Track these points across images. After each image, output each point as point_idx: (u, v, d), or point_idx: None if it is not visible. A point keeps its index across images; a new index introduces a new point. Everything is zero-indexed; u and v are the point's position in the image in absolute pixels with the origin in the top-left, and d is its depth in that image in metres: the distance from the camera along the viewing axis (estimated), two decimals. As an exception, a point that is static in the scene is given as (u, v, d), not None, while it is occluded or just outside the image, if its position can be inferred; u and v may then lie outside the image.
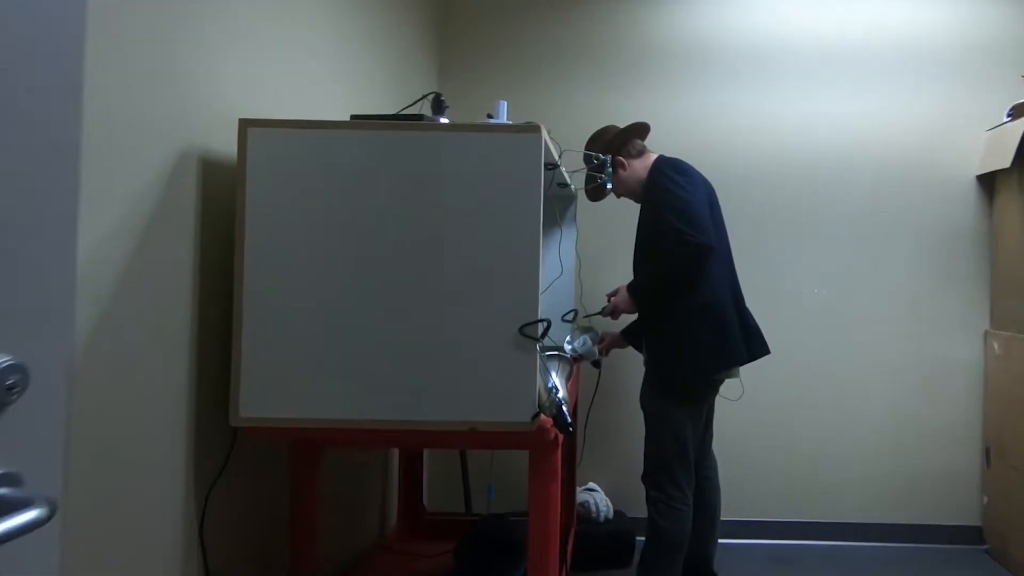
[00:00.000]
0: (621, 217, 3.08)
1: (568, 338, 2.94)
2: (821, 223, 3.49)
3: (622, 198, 2.84)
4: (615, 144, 2.72)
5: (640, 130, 2.79)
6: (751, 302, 2.75)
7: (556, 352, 2.77)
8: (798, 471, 3.46)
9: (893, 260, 3.47)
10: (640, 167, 2.72)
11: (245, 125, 1.66)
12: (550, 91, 3.61)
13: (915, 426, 3.43)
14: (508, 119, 2.11)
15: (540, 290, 1.65)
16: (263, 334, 1.64)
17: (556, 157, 2.06)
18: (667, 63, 3.56)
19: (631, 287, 2.66)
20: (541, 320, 1.65)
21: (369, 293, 1.64)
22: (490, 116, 2.01)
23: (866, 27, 3.48)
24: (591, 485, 3.46)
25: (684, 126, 3.52)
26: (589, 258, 3.32)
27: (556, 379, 1.74)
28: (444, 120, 2.12)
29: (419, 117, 1.73)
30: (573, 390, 2.76)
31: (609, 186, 2.64)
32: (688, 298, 2.56)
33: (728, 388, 2.75)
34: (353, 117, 1.80)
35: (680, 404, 2.58)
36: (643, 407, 2.67)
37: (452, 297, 1.64)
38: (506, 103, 1.92)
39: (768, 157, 3.51)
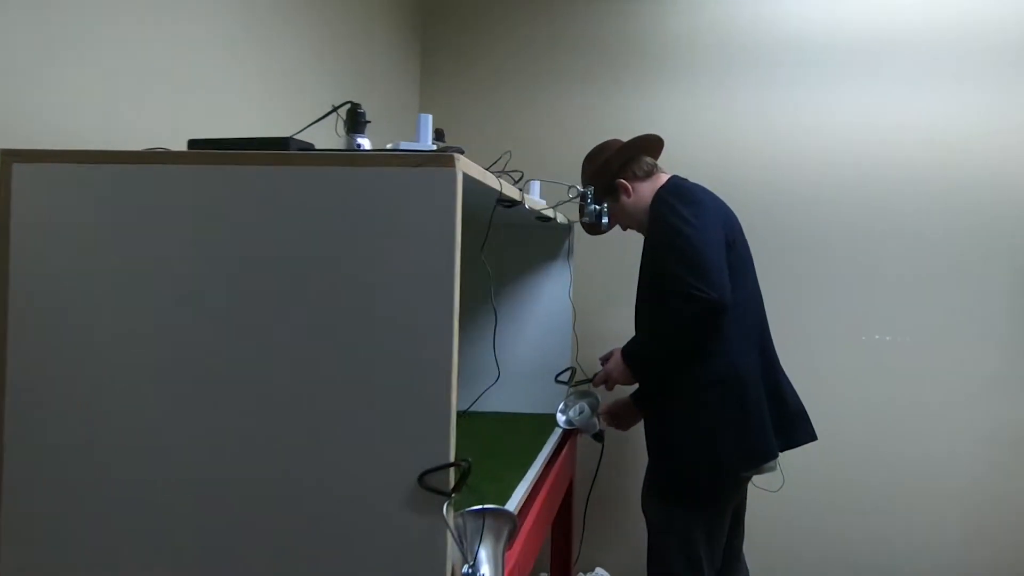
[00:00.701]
0: (632, 248, 2.45)
1: (561, 406, 2.33)
2: (885, 251, 2.82)
3: (629, 229, 2.25)
4: (615, 164, 2.12)
5: (649, 145, 2.17)
6: (788, 356, 2.12)
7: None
8: (854, 571, 2.80)
9: (984, 298, 2.77)
10: (648, 192, 2.12)
11: (9, 159, 1.09)
12: (551, 94, 3.00)
13: (1005, 510, 2.73)
14: (442, 140, 1.52)
15: (453, 412, 1.05)
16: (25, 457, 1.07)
17: (514, 189, 1.45)
18: (687, 58, 2.93)
19: (626, 352, 2.08)
20: (458, 463, 1.05)
21: (179, 405, 1.06)
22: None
23: (946, 6, 2.79)
24: (599, 572, 2.85)
25: (705, 135, 2.88)
26: (591, 300, 2.72)
27: (484, 558, 1.11)
28: (363, 142, 1.54)
29: (284, 143, 1.14)
30: (567, 469, 2.15)
31: (605, 220, 2.04)
32: (700, 368, 1.95)
33: (764, 477, 2.12)
34: (192, 144, 1.21)
35: (691, 510, 1.96)
36: (644, 511, 2.06)
37: (306, 419, 1.05)
38: (430, 116, 1.31)
39: (812, 169, 2.85)
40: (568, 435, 2.32)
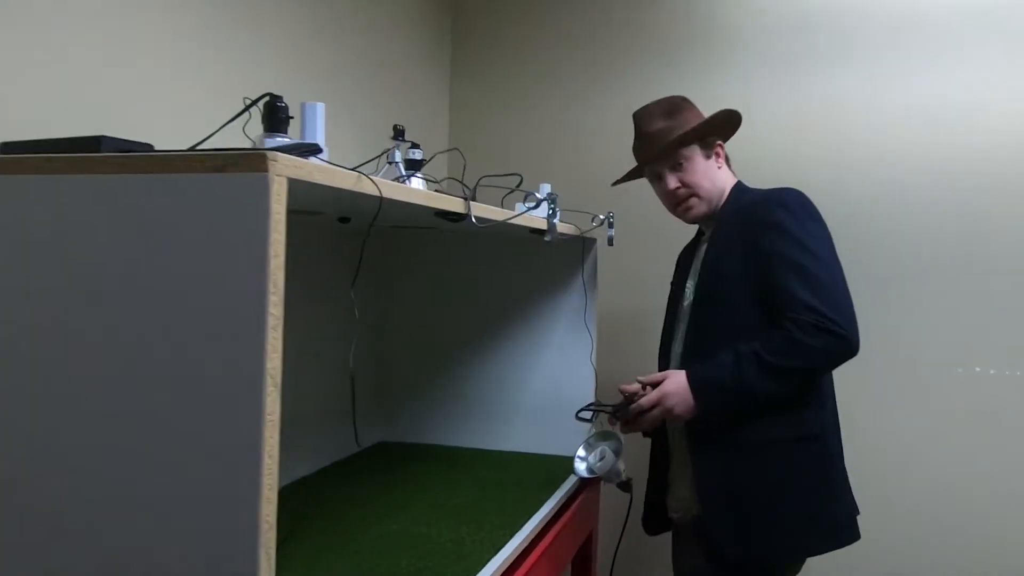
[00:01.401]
0: (660, 263, 2.08)
1: (580, 450, 2.00)
2: (984, 259, 2.32)
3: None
4: (718, 122, 1.74)
5: (728, 125, 1.80)
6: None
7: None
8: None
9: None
10: (727, 178, 1.78)
11: None
12: (589, 91, 2.68)
13: None
14: (402, 139, 1.25)
15: (266, 492, 0.75)
16: None
17: (465, 196, 1.15)
18: (752, 39, 2.52)
19: (698, 377, 1.61)
20: None
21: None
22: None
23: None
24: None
25: (765, 130, 2.47)
26: (615, 324, 2.36)
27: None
28: (282, 139, 1.28)
29: (95, 142, 0.88)
30: (581, 524, 1.81)
31: (673, 184, 1.72)
32: (788, 420, 1.60)
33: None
34: (4, 147, 0.98)
35: None
36: (679, 572, 1.71)
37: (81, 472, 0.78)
38: (321, 105, 1.03)
39: (891, 165, 2.38)
40: (589, 483, 1.98)
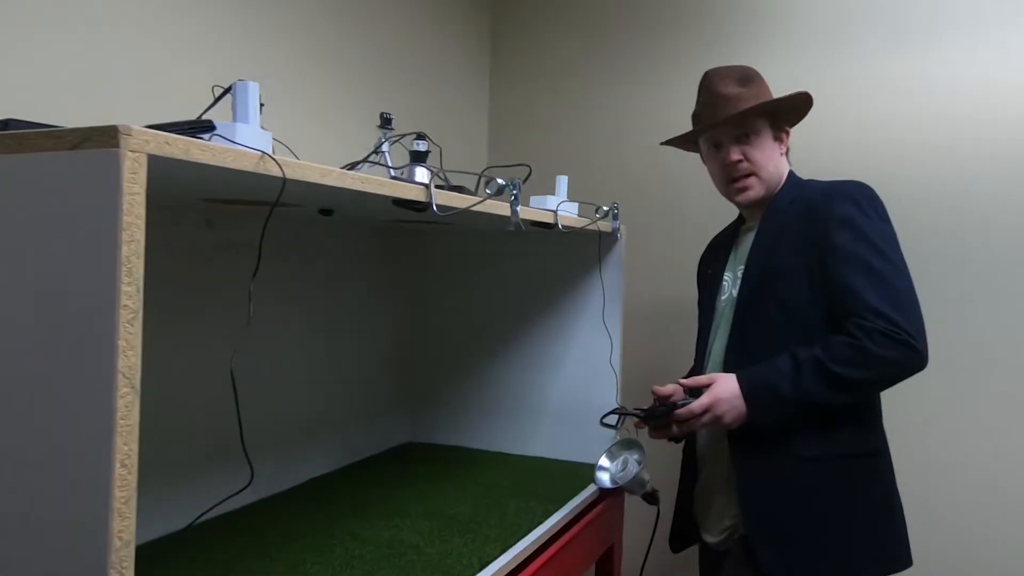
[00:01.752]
0: (685, 261, 1.92)
1: (602, 459, 1.88)
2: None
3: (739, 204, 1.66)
4: (788, 106, 1.59)
5: (799, 112, 1.64)
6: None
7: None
8: None
9: None
10: (785, 166, 1.62)
11: None
12: (628, 80, 2.53)
13: None
14: (389, 127, 1.18)
15: (118, 510, 0.67)
16: None
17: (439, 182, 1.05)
18: (790, 23, 2.32)
19: (750, 383, 1.43)
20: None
21: None
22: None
23: None
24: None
25: (823, 114, 2.26)
26: (644, 322, 2.21)
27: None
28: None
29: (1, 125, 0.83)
30: (598, 538, 1.69)
31: (736, 156, 1.55)
32: (844, 434, 1.45)
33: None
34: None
35: None
36: None
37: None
38: (255, 85, 0.95)
39: (971, 150, 2.12)
40: (612, 493, 1.85)
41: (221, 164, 0.75)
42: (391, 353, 2.15)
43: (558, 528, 1.56)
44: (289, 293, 1.75)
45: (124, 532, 0.67)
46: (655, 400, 1.59)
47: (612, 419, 1.97)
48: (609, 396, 1.95)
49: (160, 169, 0.71)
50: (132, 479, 0.67)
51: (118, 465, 0.66)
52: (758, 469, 1.48)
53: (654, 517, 1.88)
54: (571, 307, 2.00)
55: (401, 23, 2.22)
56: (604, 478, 1.85)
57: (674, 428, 1.53)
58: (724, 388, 1.44)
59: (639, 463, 1.82)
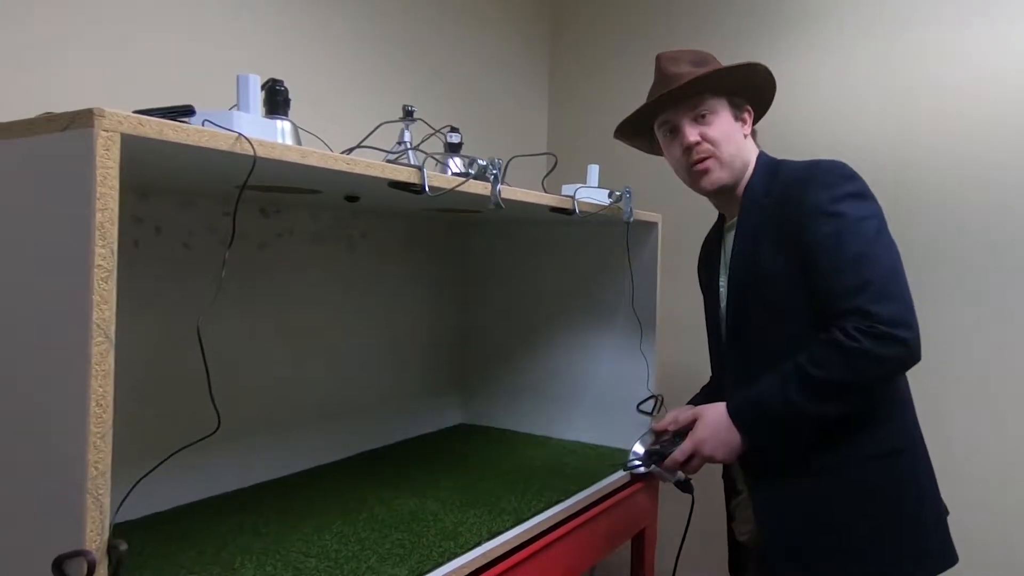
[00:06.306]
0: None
1: (636, 446, 1.88)
2: None
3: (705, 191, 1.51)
4: (755, 83, 1.48)
5: (762, 91, 1.51)
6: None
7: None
8: None
9: None
10: (752, 149, 1.50)
11: None
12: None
13: None
14: (411, 118, 1.26)
15: (93, 473, 0.77)
16: None
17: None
18: (786, 10, 2.24)
19: (738, 409, 1.37)
20: (110, 546, 0.78)
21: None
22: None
23: None
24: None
25: (819, 104, 2.17)
26: (673, 312, 2.18)
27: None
28: (282, 121, 1.33)
29: None
30: (625, 524, 1.71)
31: (693, 136, 1.42)
32: (860, 436, 1.35)
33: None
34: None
35: None
36: None
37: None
38: (256, 77, 1.04)
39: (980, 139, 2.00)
40: (646, 478, 1.87)
41: (196, 144, 0.84)
42: (448, 338, 2.26)
43: (576, 509, 1.60)
44: (363, 282, 1.94)
45: (100, 463, 0.77)
46: (654, 437, 1.56)
47: (648, 405, 2.00)
48: (641, 384, 1.97)
49: (147, 149, 0.81)
50: (107, 417, 0.77)
51: (94, 404, 0.76)
52: (769, 487, 1.42)
53: (688, 508, 1.88)
54: (608, 295, 2.03)
55: (467, 38, 2.31)
56: (637, 463, 1.86)
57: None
58: (706, 426, 1.38)
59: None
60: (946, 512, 1.44)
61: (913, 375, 1.39)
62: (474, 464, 1.86)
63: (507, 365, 2.25)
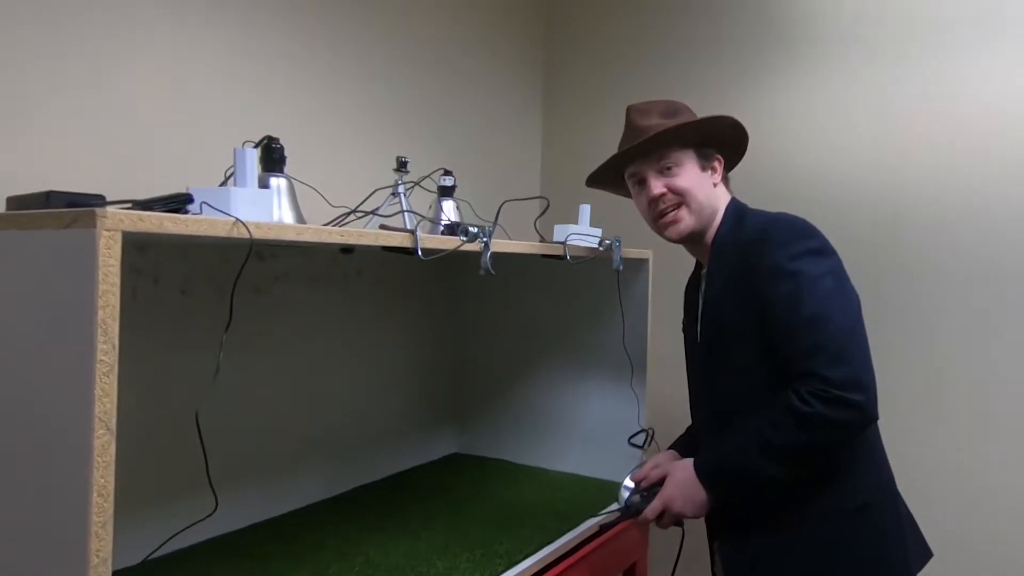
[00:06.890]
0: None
1: (627, 481, 1.89)
2: None
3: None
4: (727, 135, 1.50)
5: (732, 142, 1.53)
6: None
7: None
8: None
9: None
10: (723, 197, 1.51)
11: None
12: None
13: None
14: (404, 169, 1.28)
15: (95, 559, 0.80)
16: None
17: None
18: (779, 42, 2.27)
19: (704, 467, 1.39)
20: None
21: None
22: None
23: None
24: None
25: (808, 137, 2.20)
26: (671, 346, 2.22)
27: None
28: (278, 178, 1.36)
29: (43, 198, 0.98)
30: (616, 557, 1.74)
31: (658, 189, 1.44)
32: (832, 492, 1.35)
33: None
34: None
35: None
36: None
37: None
38: (253, 151, 1.06)
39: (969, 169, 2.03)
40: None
41: (195, 233, 0.87)
42: (443, 370, 2.29)
43: (569, 548, 1.63)
44: (353, 318, 1.96)
45: (101, 551, 0.79)
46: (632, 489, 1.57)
47: (639, 439, 2.03)
48: (632, 419, 2.00)
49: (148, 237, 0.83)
50: (108, 506, 0.80)
51: (95, 495, 0.79)
52: (735, 542, 1.44)
53: (679, 542, 1.91)
54: (600, 332, 2.06)
55: (459, 67, 2.34)
56: (627, 496, 1.89)
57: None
58: (674, 485, 1.41)
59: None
60: (926, 557, 1.46)
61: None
62: (469, 499, 1.88)
63: (501, 397, 2.28)
